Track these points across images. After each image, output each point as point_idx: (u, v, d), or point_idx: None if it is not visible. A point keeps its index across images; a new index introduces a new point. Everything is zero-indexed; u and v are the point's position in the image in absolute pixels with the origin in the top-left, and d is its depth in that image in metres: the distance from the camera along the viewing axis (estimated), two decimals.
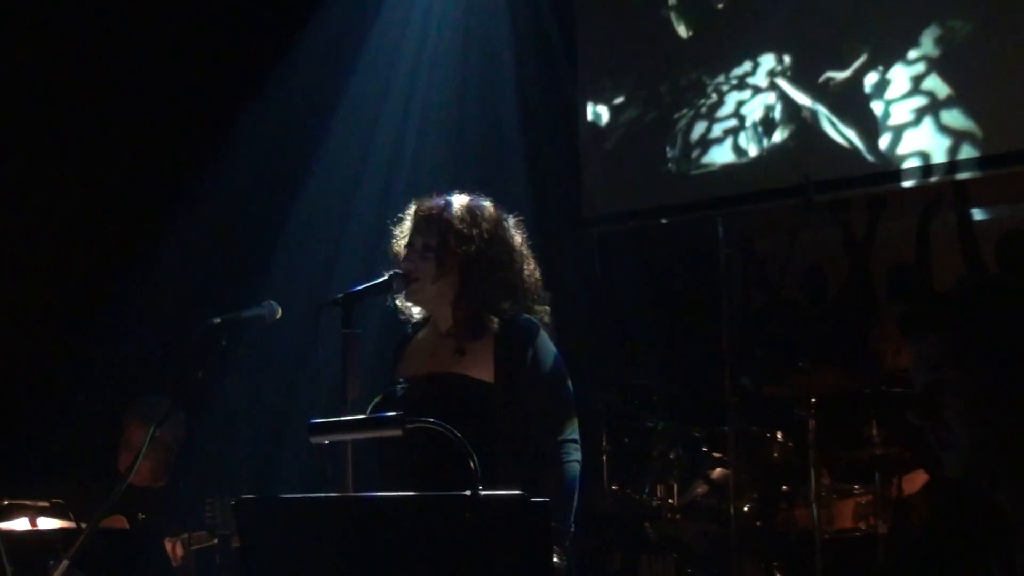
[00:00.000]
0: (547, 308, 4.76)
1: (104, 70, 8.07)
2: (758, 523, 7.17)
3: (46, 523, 5.38)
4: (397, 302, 4.80)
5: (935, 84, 7.47)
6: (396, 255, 4.76)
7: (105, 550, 5.31)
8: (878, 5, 7.72)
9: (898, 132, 7.61)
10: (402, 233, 4.77)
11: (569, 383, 4.68)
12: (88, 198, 8.08)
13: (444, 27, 8.64)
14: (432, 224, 4.65)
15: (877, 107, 7.71)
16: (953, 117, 7.40)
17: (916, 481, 6.83)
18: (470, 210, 4.69)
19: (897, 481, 6.84)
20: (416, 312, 4.83)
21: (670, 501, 7.42)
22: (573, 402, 4.68)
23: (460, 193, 4.79)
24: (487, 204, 4.77)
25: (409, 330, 4.84)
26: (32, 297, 7.80)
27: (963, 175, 7.56)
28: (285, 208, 8.25)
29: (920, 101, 7.53)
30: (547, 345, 4.67)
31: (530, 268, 4.76)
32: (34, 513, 5.41)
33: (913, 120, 7.55)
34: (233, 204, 8.17)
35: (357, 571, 3.33)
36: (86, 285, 7.83)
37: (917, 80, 7.55)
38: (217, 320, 4.66)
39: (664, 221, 8.76)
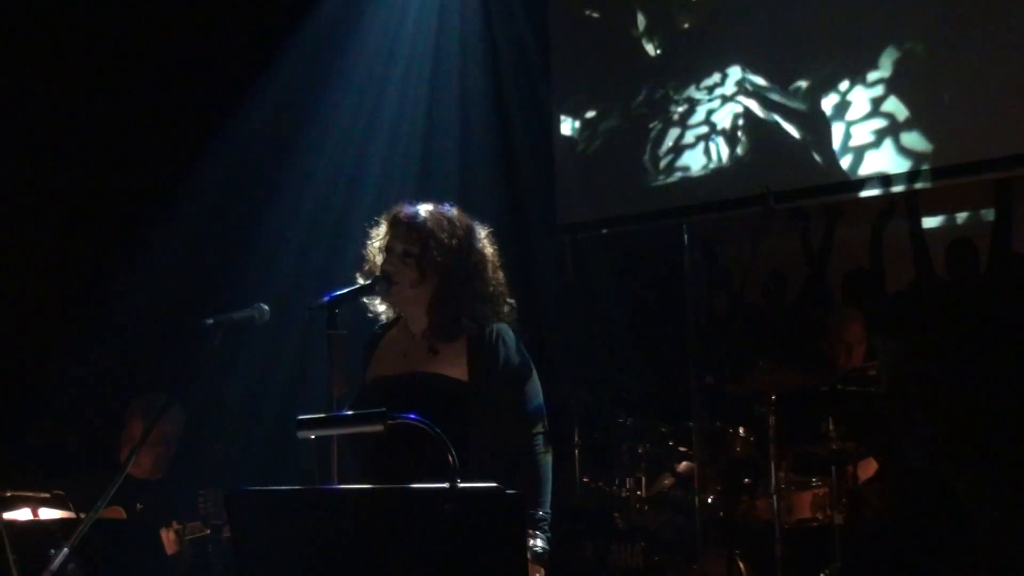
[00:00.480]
0: (514, 312, 4.79)
1: (93, 75, 8.04)
2: (721, 513, 7.19)
3: (47, 513, 5.38)
4: (367, 302, 4.80)
5: (889, 101, 7.49)
6: (370, 258, 4.77)
7: (103, 540, 5.31)
8: (836, 27, 7.73)
9: (854, 146, 7.63)
10: (378, 237, 4.76)
11: (537, 381, 4.68)
12: (78, 204, 8.06)
13: (421, 38, 8.63)
14: (413, 232, 4.64)
15: (834, 122, 7.72)
16: (905, 132, 7.42)
17: (870, 474, 6.86)
18: (450, 220, 4.69)
19: (852, 474, 6.86)
20: (383, 313, 4.84)
21: (638, 493, 7.44)
22: (542, 398, 4.68)
23: (434, 202, 4.81)
24: (461, 214, 4.79)
25: (377, 330, 4.82)
26: (35, 296, 7.79)
27: (914, 186, 7.57)
28: (279, 213, 8.23)
29: (875, 117, 7.55)
30: (517, 346, 4.68)
31: (499, 277, 4.78)
32: (35, 504, 5.40)
33: (868, 135, 7.57)
34: (225, 208, 8.17)
35: (342, 560, 3.33)
36: (86, 284, 7.81)
37: (872, 97, 7.57)
38: (210, 321, 4.67)
39: (633, 228, 8.75)
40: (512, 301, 4.79)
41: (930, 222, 8.37)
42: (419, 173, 8.18)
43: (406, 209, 4.73)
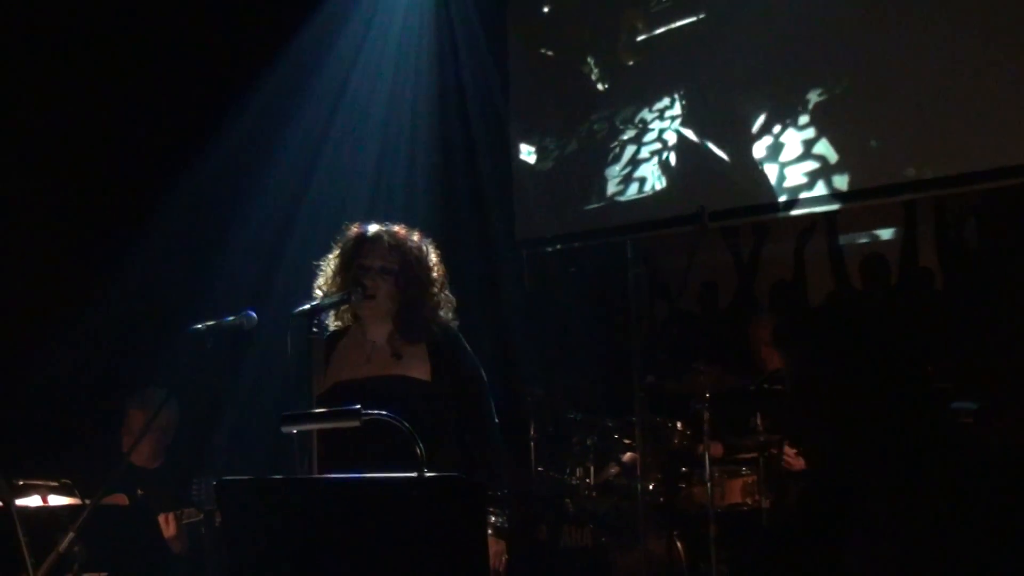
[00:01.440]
0: (456, 320, 4.88)
1: (88, 85, 8.00)
2: (661, 499, 7.20)
3: (56, 500, 5.34)
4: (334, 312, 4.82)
5: (809, 132, 7.52)
6: (330, 273, 4.81)
7: (107, 524, 5.28)
8: (763, 64, 7.74)
9: (779, 170, 7.65)
10: (336, 255, 4.79)
11: (486, 380, 4.80)
12: (79, 210, 8.00)
13: (400, 74, 8.65)
14: (392, 250, 4.70)
15: (761, 149, 7.75)
16: (824, 159, 7.45)
17: (794, 462, 6.88)
18: (416, 241, 4.79)
19: (777, 463, 6.89)
20: (333, 323, 4.86)
21: (587, 480, 7.44)
22: (491, 395, 4.77)
23: (387, 223, 4.86)
24: (419, 233, 4.86)
25: (325, 337, 4.80)
26: (38, 296, 7.71)
27: (832, 207, 7.60)
28: (261, 222, 8.23)
29: (797, 145, 7.57)
30: (468, 349, 4.80)
31: (448, 292, 4.87)
32: (45, 491, 5.37)
33: (791, 160, 7.60)
34: (219, 216, 8.15)
35: (321, 542, 3.33)
36: (87, 286, 7.74)
37: (795, 128, 7.59)
38: (202, 327, 4.68)
39: (583, 244, 8.76)
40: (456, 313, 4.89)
41: (846, 239, 8.40)
42: (400, 198, 8.18)
43: (378, 228, 4.78)
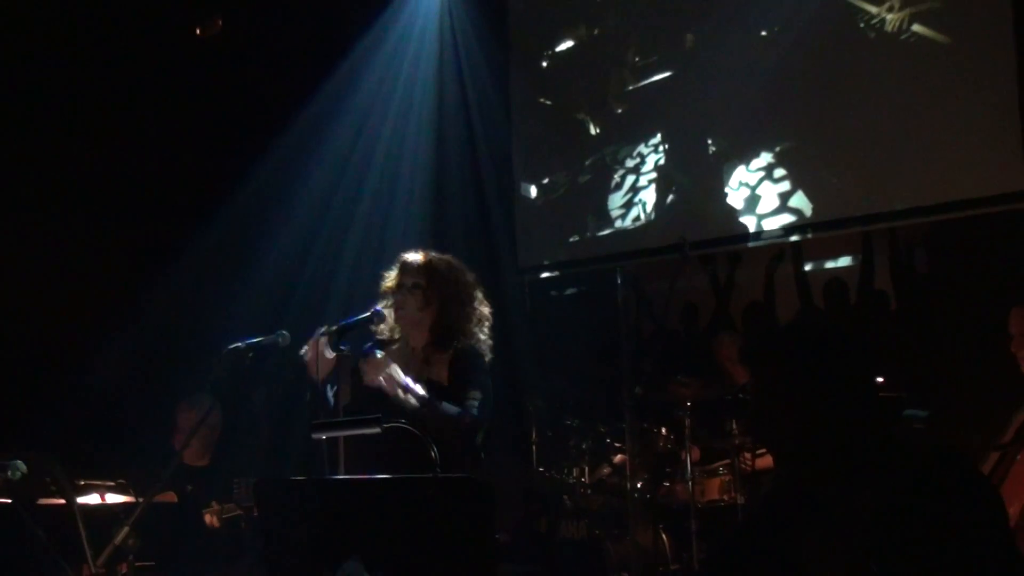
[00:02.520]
0: (490, 339, 4.82)
1: (143, 134, 8.10)
2: (648, 496, 7.16)
3: (112, 498, 5.33)
4: (374, 326, 4.82)
5: (779, 171, 7.54)
6: (386, 291, 4.80)
7: (158, 520, 5.27)
8: (739, 109, 7.76)
9: (751, 205, 7.67)
10: (390, 278, 4.81)
11: (489, 389, 4.70)
12: (137, 242, 8.06)
13: (415, 122, 8.73)
14: (421, 269, 4.73)
15: (735, 186, 7.76)
16: (790, 195, 7.47)
17: (765, 463, 6.86)
18: (447, 262, 4.82)
19: (751, 463, 6.86)
20: (383, 333, 4.84)
21: (583, 479, 7.42)
22: (490, 402, 4.68)
23: (430, 250, 4.88)
24: (453, 259, 4.87)
25: (369, 346, 4.80)
26: (99, 319, 7.75)
27: (798, 237, 7.61)
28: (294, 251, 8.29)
29: (768, 183, 7.59)
30: (483, 362, 4.73)
31: (484, 308, 4.83)
32: (103, 490, 5.36)
33: (762, 196, 7.61)
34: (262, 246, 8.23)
35: (347, 534, 3.32)
36: (142, 307, 7.79)
37: (766, 167, 7.61)
38: (242, 344, 4.67)
39: (578, 270, 8.77)
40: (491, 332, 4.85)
41: (810, 265, 8.41)
42: (424, 229, 8.23)
43: (412, 253, 4.84)
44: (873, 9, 7.00)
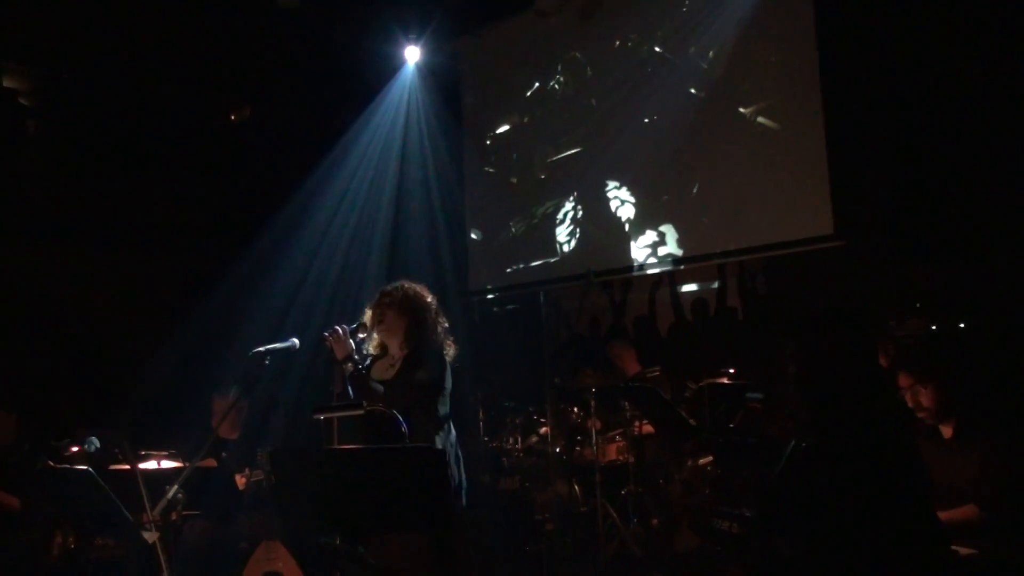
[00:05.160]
0: (453, 347, 4.79)
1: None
2: (564, 457, 7.20)
3: (166, 464, 5.28)
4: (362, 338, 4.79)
5: (659, 217, 7.61)
6: (370, 313, 4.76)
7: (201, 480, 5.22)
8: (630, 174, 7.83)
9: (639, 245, 7.73)
10: (373, 302, 4.79)
11: (441, 381, 4.61)
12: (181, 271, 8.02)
13: (384, 175, 8.76)
14: (394, 290, 4.73)
15: (628, 230, 7.82)
16: (667, 236, 7.53)
17: (647, 430, 6.91)
18: (413, 288, 4.77)
19: (639, 432, 6.91)
20: (373, 349, 4.81)
21: (516, 446, 7.45)
22: (443, 384, 4.62)
23: (403, 281, 4.86)
24: (420, 286, 4.84)
25: (368, 359, 4.79)
26: (155, 327, 7.69)
27: (671, 268, 7.69)
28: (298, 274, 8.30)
29: (650, 230, 7.66)
30: (437, 356, 4.63)
31: (443, 322, 4.79)
32: (159, 458, 5.32)
33: (647, 238, 7.67)
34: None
35: (340, 491, 3.31)
36: (187, 316, 7.76)
37: (649, 216, 7.68)
38: (263, 349, 4.64)
39: (513, 292, 8.78)
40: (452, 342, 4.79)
41: (682, 288, 8.48)
42: (396, 265, 8.25)
43: (389, 286, 4.80)
44: (738, 105, 7.09)
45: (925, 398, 4.07)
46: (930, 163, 6.10)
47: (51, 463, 5.13)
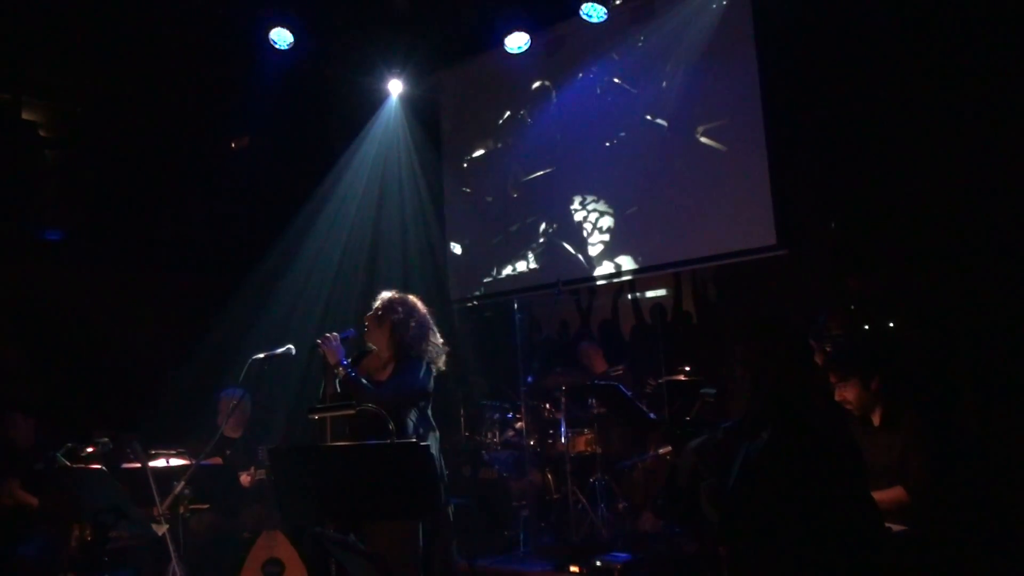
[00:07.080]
0: (443, 354, 4.74)
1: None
2: (538, 449, 7.20)
3: (174, 462, 5.22)
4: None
5: (621, 232, 7.62)
6: (363, 319, 4.78)
7: (207, 477, 5.17)
8: (593, 192, 7.81)
9: (603, 256, 7.74)
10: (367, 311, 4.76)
11: (414, 386, 4.57)
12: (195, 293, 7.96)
13: (372, 198, 8.75)
14: (381, 300, 4.71)
15: (593, 243, 7.82)
16: (626, 247, 7.55)
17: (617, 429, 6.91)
18: (400, 297, 4.75)
19: (606, 428, 6.91)
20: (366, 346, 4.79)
21: (494, 440, 7.44)
22: (413, 389, 4.58)
23: (391, 291, 4.83)
24: (409, 295, 4.81)
25: (360, 354, 4.77)
26: (169, 343, 7.60)
27: (632, 277, 7.70)
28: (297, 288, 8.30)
29: (614, 241, 7.66)
30: (415, 366, 4.59)
31: (430, 330, 4.74)
32: (168, 456, 5.26)
33: (610, 250, 7.68)
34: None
35: (334, 483, 3.28)
36: (199, 331, 7.71)
37: (612, 231, 7.68)
38: (262, 355, 4.61)
39: (488, 301, 8.77)
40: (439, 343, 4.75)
41: (642, 295, 8.51)
42: (389, 277, 8.24)
43: (379, 295, 4.80)
44: (689, 129, 7.11)
45: (848, 393, 4.16)
46: (864, 179, 6.16)
47: (68, 463, 5.06)
